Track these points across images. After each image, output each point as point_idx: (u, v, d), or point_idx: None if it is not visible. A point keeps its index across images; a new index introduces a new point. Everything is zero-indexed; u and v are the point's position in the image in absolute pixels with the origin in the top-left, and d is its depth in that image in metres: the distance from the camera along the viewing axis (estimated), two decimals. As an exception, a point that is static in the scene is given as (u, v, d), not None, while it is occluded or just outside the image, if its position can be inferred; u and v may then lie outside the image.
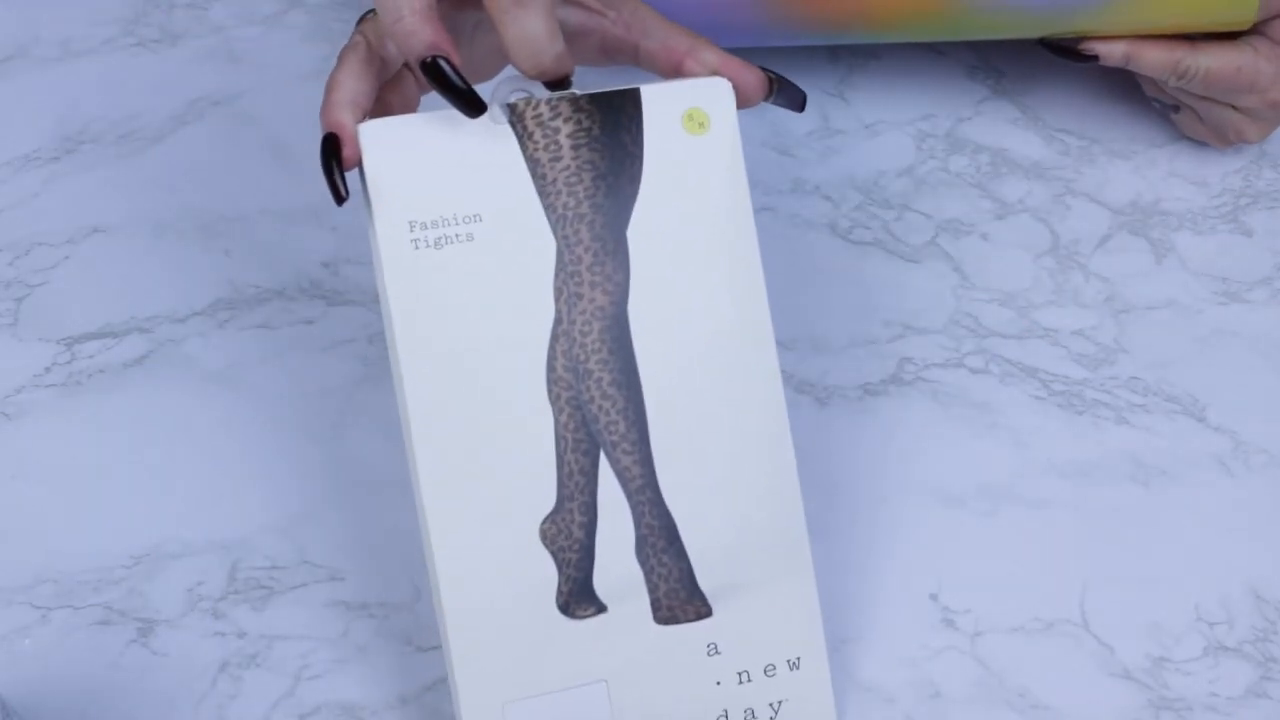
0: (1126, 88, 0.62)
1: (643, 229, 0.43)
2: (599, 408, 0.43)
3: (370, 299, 0.56)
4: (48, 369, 0.55)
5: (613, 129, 0.43)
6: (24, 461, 0.53)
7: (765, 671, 0.45)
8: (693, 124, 0.44)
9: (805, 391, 0.55)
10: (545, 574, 0.43)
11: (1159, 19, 0.53)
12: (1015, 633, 0.49)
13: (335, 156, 0.41)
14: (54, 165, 0.61)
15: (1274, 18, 0.53)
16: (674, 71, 0.44)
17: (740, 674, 0.44)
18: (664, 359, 0.43)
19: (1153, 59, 0.54)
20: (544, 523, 0.43)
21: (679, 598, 0.44)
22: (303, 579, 0.50)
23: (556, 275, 0.43)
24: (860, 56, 0.65)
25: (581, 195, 0.43)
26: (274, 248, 0.59)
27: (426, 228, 0.42)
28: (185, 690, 0.48)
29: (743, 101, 0.44)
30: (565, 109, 0.42)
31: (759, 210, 0.59)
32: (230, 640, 0.49)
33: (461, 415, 0.42)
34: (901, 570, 0.51)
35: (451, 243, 0.42)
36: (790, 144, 0.62)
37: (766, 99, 0.45)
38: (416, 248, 0.41)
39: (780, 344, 0.55)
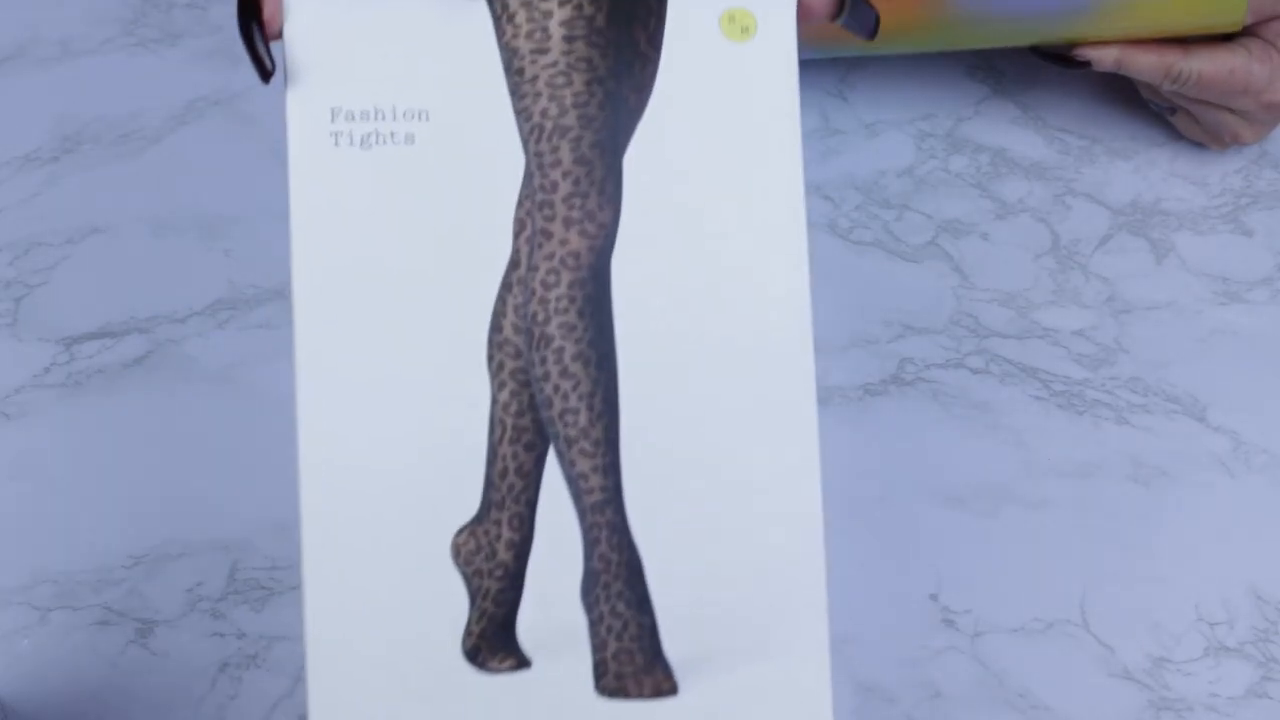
0: (1126, 88, 0.62)
1: (646, 158, 0.32)
2: (554, 388, 0.32)
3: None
4: (47, 369, 0.55)
5: (624, 20, 0.32)
6: (23, 461, 0.53)
7: None
8: (733, 27, 0.33)
9: (805, 391, 0.55)
10: (451, 604, 0.32)
11: (1149, 23, 0.53)
12: (1016, 633, 0.49)
13: (255, 17, 0.31)
14: (53, 165, 0.61)
15: (1266, 20, 0.53)
16: None
17: None
18: (654, 334, 0.32)
19: (1145, 63, 0.54)
20: (459, 534, 0.32)
21: (633, 663, 0.32)
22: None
23: (520, 204, 0.32)
24: (860, 56, 0.65)
25: (568, 102, 0.32)
26: (274, 248, 0.58)
27: (353, 119, 0.32)
28: (185, 691, 0.48)
29: (806, 12, 0.34)
30: None
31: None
32: (230, 641, 0.49)
33: (364, 375, 0.32)
34: (901, 570, 0.51)
35: (384, 142, 0.32)
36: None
37: (835, 18, 0.35)
38: (336, 143, 0.32)
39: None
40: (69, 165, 0.61)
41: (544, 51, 0.32)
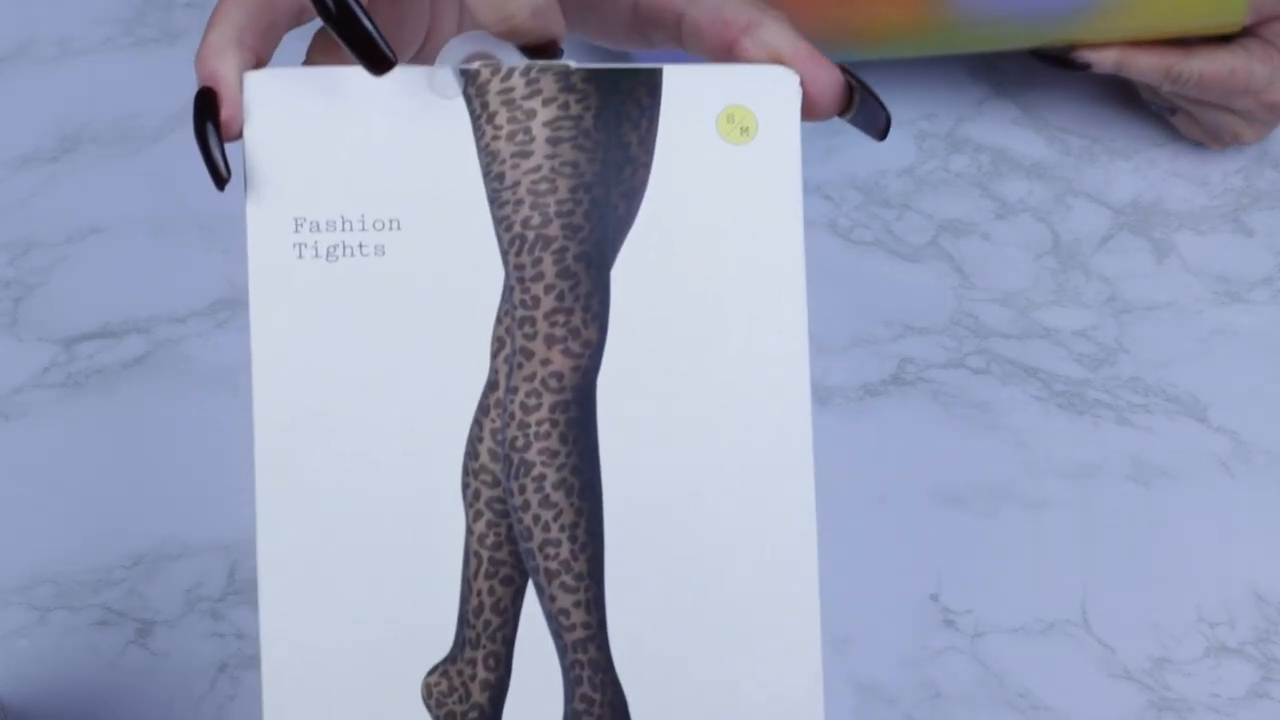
0: (1127, 87, 0.62)
1: (636, 270, 0.30)
2: (534, 519, 0.30)
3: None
4: (46, 369, 0.55)
5: (613, 122, 0.30)
6: (23, 461, 0.53)
7: None
8: (732, 127, 0.31)
9: (805, 391, 0.55)
10: None
11: (1149, 25, 0.53)
12: (1016, 633, 0.49)
13: (211, 118, 0.29)
14: (53, 165, 0.61)
15: (1266, 20, 0.53)
16: (724, 53, 0.32)
17: None
18: (642, 461, 0.30)
19: (1144, 65, 0.54)
20: (430, 674, 0.30)
21: None
22: (302, 579, 0.50)
23: (499, 321, 0.30)
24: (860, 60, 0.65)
25: (551, 211, 0.30)
26: (273, 247, 0.58)
27: (319, 229, 0.29)
28: (184, 691, 0.48)
29: (810, 109, 0.32)
30: (548, 86, 0.30)
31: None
32: (229, 641, 0.49)
33: (328, 505, 0.29)
34: (901, 570, 0.51)
35: (351, 255, 0.29)
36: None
37: (843, 115, 0.33)
38: (300, 255, 0.29)
39: (780, 344, 0.55)
40: (68, 165, 0.61)
41: (526, 155, 0.30)
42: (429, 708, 0.29)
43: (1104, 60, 0.54)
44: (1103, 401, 0.55)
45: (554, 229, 0.30)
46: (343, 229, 0.29)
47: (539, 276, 0.30)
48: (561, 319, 0.30)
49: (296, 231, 0.29)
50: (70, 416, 0.54)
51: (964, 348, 0.56)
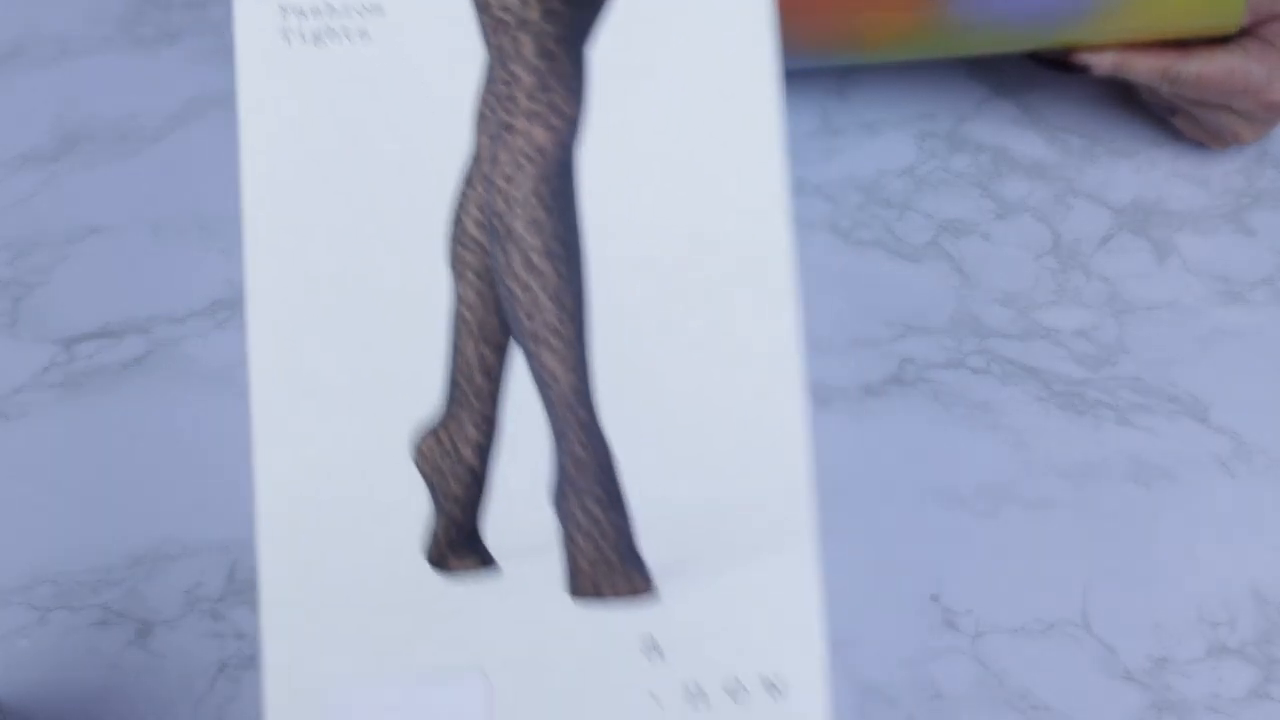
0: (1127, 87, 0.62)
1: (613, 52, 0.31)
2: (520, 284, 0.31)
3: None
4: (46, 369, 0.55)
5: None
6: (23, 461, 0.53)
7: (728, 690, 0.31)
8: None
9: (806, 392, 0.55)
10: (413, 508, 0.30)
11: (1147, 26, 0.53)
12: (1016, 633, 0.49)
13: None
14: (52, 165, 0.61)
15: (1264, 20, 0.53)
16: None
17: (689, 688, 0.31)
18: (624, 227, 0.31)
19: (1143, 66, 0.54)
20: (420, 436, 0.30)
21: (607, 564, 0.30)
22: (302, 580, 0.50)
23: (481, 98, 0.31)
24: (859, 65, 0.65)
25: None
26: (273, 247, 0.58)
27: (304, 15, 0.31)
28: (184, 691, 0.48)
29: None
30: None
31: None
32: (229, 641, 0.49)
33: (319, 273, 0.30)
34: (902, 570, 0.51)
35: (337, 38, 0.31)
36: (791, 144, 0.62)
37: None
38: (288, 40, 0.30)
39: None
40: (68, 165, 0.61)
41: None
42: (420, 466, 0.30)
43: (1102, 62, 0.54)
44: (1103, 401, 0.55)
45: (533, 13, 0.30)
46: (327, 14, 0.30)
47: (519, 56, 0.30)
48: (542, 95, 0.31)
49: (284, 17, 0.30)
50: (70, 416, 0.54)
51: (964, 348, 0.56)
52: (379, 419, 0.30)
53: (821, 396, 0.55)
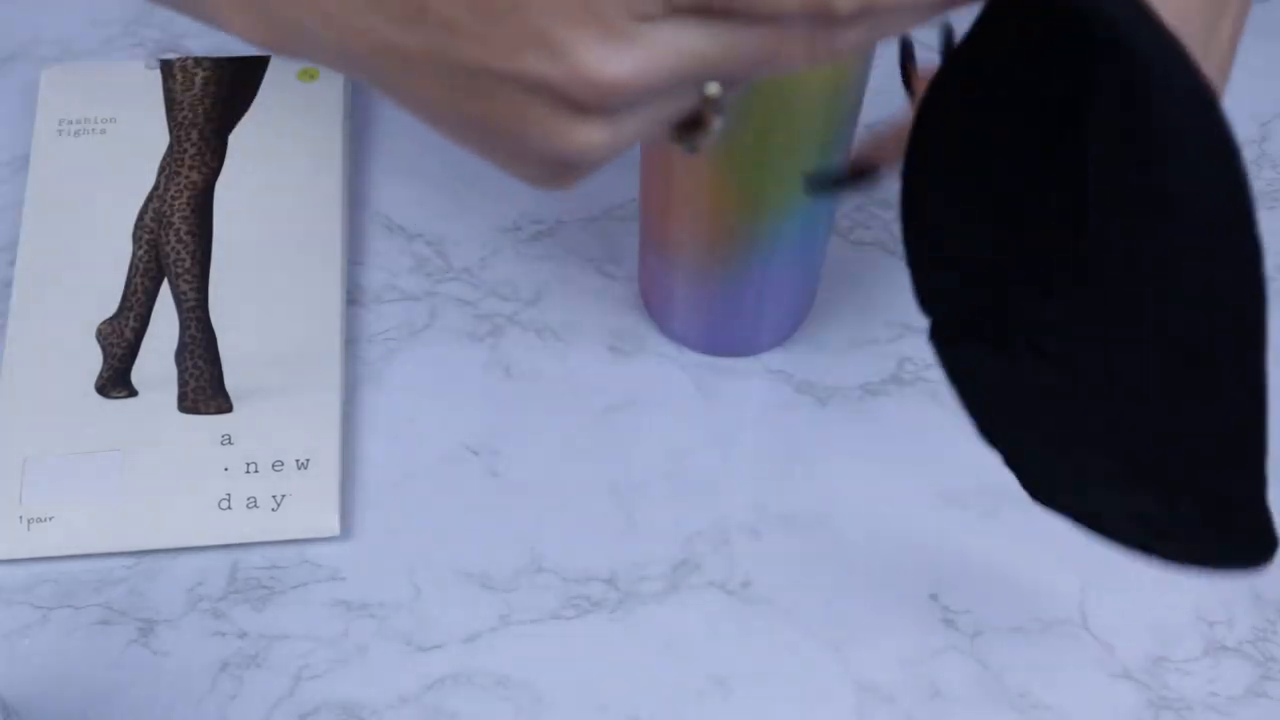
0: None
1: (244, 137, 0.58)
2: (172, 248, 0.55)
3: (373, 299, 0.56)
4: (48, 369, 0.55)
5: (240, 71, 0.60)
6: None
7: (273, 466, 0.50)
8: (305, 75, 0.60)
9: (805, 391, 0.55)
10: (93, 363, 0.52)
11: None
12: (1015, 633, 0.50)
13: None
14: (54, 165, 0.61)
15: None
16: None
17: (249, 464, 0.50)
18: (238, 221, 0.56)
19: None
20: (103, 323, 0.53)
21: (205, 394, 0.52)
22: (303, 579, 0.50)
23: (164, 160, 0.57)
24: (860, 56, 0.65)
25: (201, 112, 0.58)
26: (274, 248, 0.58)
27: (71, 122, 0.59)
28: (185, 690, 0.48)
29: None
30: (206, 65, 0.60)
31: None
32: (230, 640, 0.49)
33: (62, 242, 0.55)
34: (901, 570, 0.51)
35: (88, 133, 0.58)
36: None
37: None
38: (60, 135, 0.58)
39: (780, 344, 0.55)
40: (69, 165, 0.61)
41: (189, 89, 0.60)
42: (99, 340, 0.53)
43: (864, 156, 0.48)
44: (1102, 401, 0.55)
45: (199, 117, 0.59)
46: (82, 121, 0.59)
47: (188, 139, 0.58)
48: (199, 157, 0.57)
49: (59, 124, 0.59)
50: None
51: (963, 348, 0.56)
52: (86, 314, 0.54)
53: (820, 396, 0.55)
